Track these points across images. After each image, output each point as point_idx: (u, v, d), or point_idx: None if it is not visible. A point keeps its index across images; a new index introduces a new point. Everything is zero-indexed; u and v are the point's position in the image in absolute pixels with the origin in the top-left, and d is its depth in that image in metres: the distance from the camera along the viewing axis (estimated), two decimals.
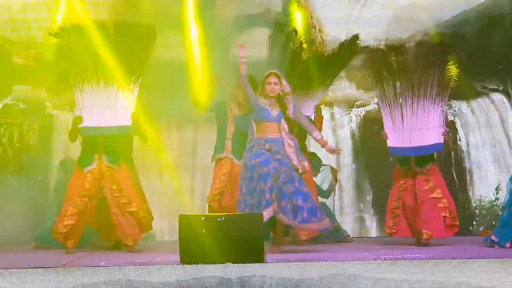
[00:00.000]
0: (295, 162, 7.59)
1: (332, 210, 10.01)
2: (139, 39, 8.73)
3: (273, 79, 7.68)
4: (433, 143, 8.80)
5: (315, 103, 9.64)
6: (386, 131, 8.96)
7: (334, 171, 10.15)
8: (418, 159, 8.79)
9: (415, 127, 8.81)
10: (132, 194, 8.48)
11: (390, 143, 8.98)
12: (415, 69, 8.91)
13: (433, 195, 8.70)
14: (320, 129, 9.36)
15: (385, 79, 9.02)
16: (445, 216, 8.62)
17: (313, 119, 9.54)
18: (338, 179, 10.38)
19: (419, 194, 8.74)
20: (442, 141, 8.83)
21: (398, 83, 8.93)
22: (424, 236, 8.37)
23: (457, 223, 8.67)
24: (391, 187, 9.21)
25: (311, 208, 7.53)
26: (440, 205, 8.65)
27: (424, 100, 8.82)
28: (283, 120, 7.70)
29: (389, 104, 8.97)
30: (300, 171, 7.63)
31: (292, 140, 7.71)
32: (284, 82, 7.74)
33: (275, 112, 7.68)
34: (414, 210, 8.75)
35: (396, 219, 8.84)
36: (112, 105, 8.52)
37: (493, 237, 8.04)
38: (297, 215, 7.46)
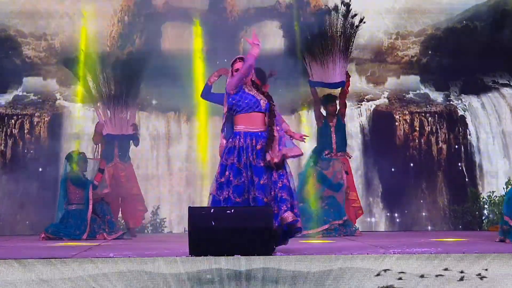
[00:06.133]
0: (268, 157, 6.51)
1: (342, 203, 10.02)
2: None
3: (240, 64, 6.64)
4: None
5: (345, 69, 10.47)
6: None
7: (345, 165, 10.15)
8: None
9: None
10: None
11: None
12: None
13: None
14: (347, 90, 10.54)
15: None
16: None
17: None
18: (348, 172, 10.38)
19: None
20: None
21: None
22: None
23: None
24: None
25: None
26: None
27: None
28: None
29: None
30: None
31: (278, 132, 6.66)
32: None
33: (264, 102, 6.69)
34: None
35: None
36: None
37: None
38: None
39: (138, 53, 11.17)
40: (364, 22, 10.42)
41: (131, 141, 10.57)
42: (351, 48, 10.48)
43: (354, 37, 10.47)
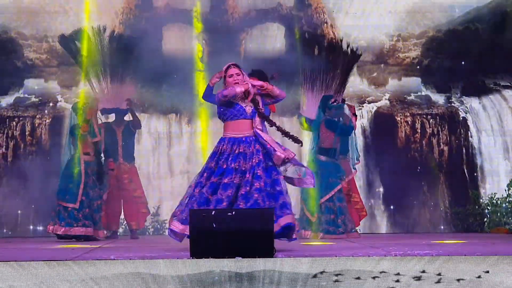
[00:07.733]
0: (279, 153, 6.81)
1: (355, 145, 10.06)
2: None
3: (234, 70, 7.05)
4: None
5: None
6: None
7: (351, 108, 10.17)
8: None
9: None
10: None
11: None
12: None
13: None
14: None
15: None
16: None
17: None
18: (357, 114, 10.46)
19: None
20: None
21: None
22: None
23: None
24: None
25: None
26: None
27: None
28: (256, 117, 7.02)
29: None
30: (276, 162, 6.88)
31: (267, 134, 7.05)
32: (245, 73, 7.11)
33: (249, 108, 7.03)
34: None
35: None
36: None
37: None
38: None
39: (133, 31, 11.22)
40: (360, 55, 10.62)
41: (134, 139, 10.53)
42: (346, 84, 10.64)
43: (351, 71, 10.65)
